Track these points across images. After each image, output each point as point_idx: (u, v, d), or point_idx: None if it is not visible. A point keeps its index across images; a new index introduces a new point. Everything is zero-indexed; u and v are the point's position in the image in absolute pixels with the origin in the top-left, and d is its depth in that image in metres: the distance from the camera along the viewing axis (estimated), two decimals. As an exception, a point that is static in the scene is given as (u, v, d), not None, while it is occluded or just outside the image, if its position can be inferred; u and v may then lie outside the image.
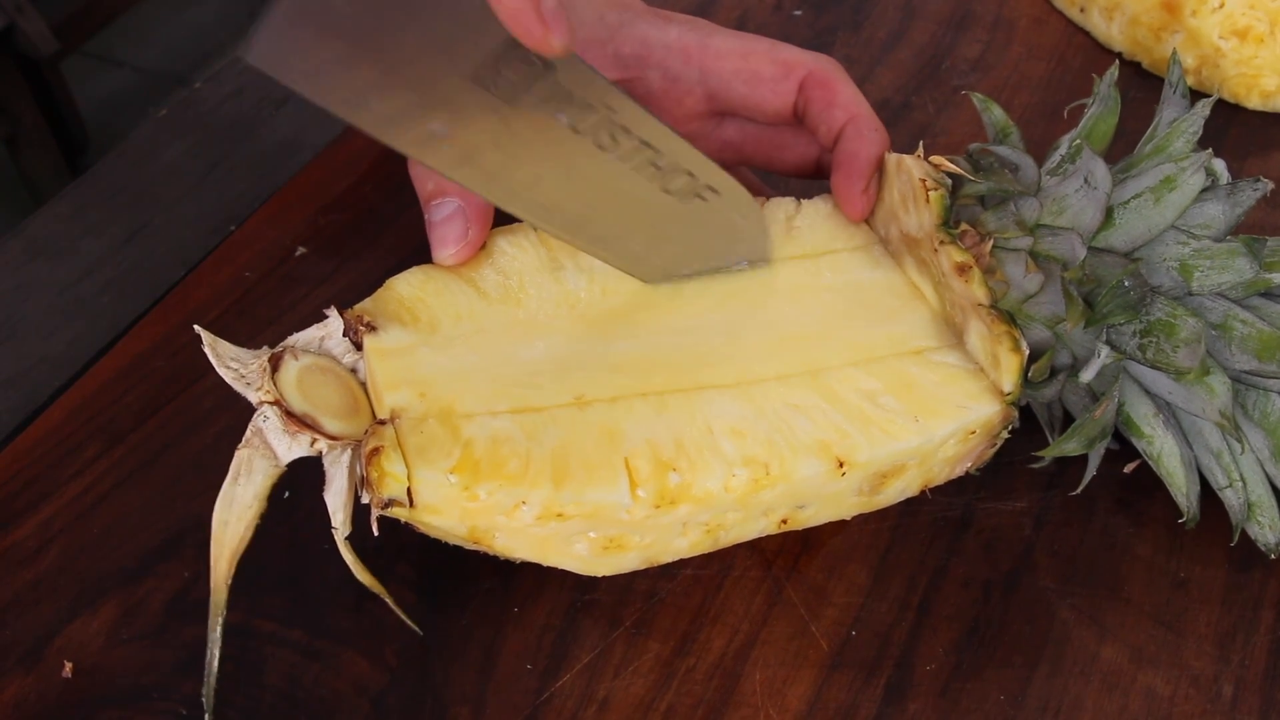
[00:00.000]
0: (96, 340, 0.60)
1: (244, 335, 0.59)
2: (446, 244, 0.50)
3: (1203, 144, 0.52)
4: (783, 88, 0.55)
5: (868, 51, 0.77)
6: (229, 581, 0.44)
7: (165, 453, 0.55)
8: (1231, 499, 0.50)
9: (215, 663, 0.43)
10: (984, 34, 0.79)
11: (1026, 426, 0.51)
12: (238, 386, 0.46)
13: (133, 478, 0.54)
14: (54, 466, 0.54)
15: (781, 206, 0.54)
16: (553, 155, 0.44)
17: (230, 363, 0.46)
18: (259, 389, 0.45)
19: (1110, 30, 0.77)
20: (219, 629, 0.43)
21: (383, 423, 0.45)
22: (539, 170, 0.45)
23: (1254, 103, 0.73)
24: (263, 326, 0.60)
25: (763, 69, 0.55)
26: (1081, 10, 0.79)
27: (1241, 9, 0.71)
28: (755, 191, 0.59)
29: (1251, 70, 0.72)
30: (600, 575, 0.49)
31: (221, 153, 0.70)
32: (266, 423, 0.45)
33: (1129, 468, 0.54)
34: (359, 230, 0.64)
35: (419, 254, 0.64)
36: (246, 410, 0.56)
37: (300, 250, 0.64)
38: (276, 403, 0.45)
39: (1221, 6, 0.72)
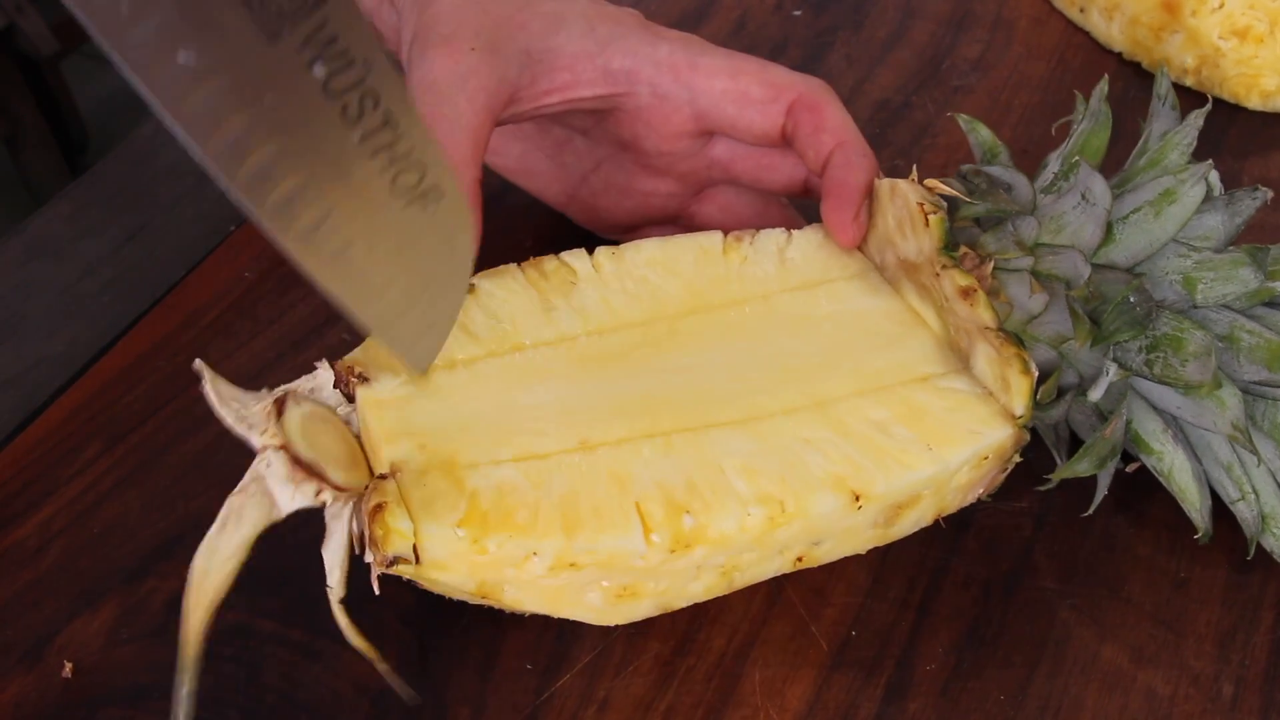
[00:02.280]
0: (96, 340, 0.60)
1: (244, 335, 0.59)
2: None
3: (1203, 145, 0.52)
4: (771, 110, 0.54)
5: (868, 51, 0.77)
6: (203, 636, 0.42)
7: (165, 453, 0.55)
8: (1244, 512, 0.50)
9: None
10: (984, 34, 0.79)
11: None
12: (239, 429, 0.44)
13: (133, 478, 0.54)
14: (54, 466, 0.54)
15: (772, 238, 0.54)
16: (296, 126, 0.37)
17: (231, 403, 0.44)
18: (264, 432, 0.44)
19: (1110, 30, 0.77)
20: (186, 686, 0.41)
21: (384, 477, 0.44)
22: (278, 146, 0.37)
23: (1254, 103, 0.73)
24: (263, 326, 0.60)
25: (751, 90, 0.54)
26: (1081, 10, 0.79)
27: (1241, 9, 0.71)
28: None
29: (1251, 70, 0.72)
30: (612, 624, 0.48)
31: (221, 153, 0.70)
32: (269, 469, 0.43)
33: (1131, 468, 0.54)
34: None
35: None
36: (246, 410, 0.56)
37: (300, 250, 0.63)
38: (283, 447, 0.43)
39: (1221, 6, 0.72)
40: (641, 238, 0.56)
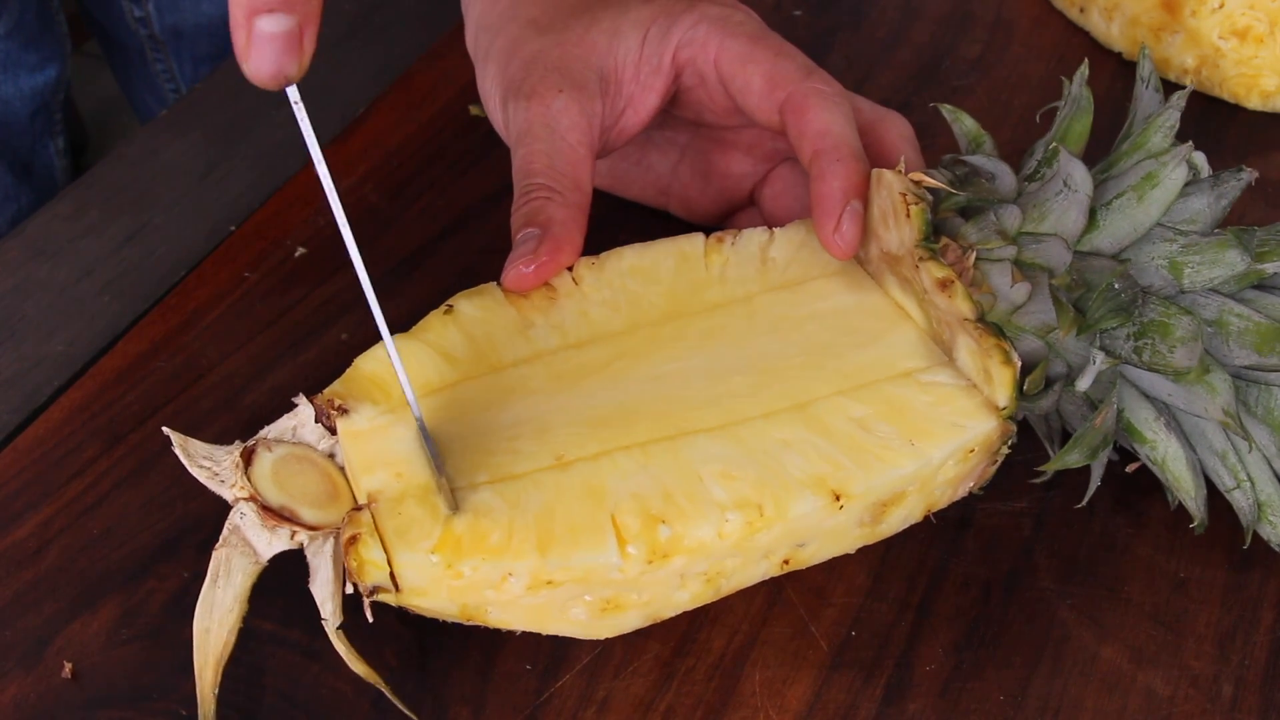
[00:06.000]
0: (96, 340, 0.60)
1: (243, 335, 0.59)
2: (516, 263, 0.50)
3: (1202, 145, 0.51)
4: (766, 105, 0.55)
5: (868, 51, 0.77)
6: (216, 691, 0.43)
7: (165, 453, 0.55)
8: (1240, 500, 0.50)
9: None
10: (984, 34, 0.79)
11: (1024, 425, 0.51)
12: (212, 485, 0.45)
13: (133, 478, 0.54)
14: (54, 466, 0.54)
15: (754, 237, 0.53)
16: None
17: (203, 461, 0.45)
18: (234, 485, 0.44)
19: (1110, 30, 0.77)
20: None
21: (359, 509, 0.44)
22: None
23: (1254, 103, 0.73)
24: (263, 327, 0.60)
25: (753, 82, 0.55)
26: (1081, 10, 0.79)
27: (1241, 9, 0.71)
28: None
29: (1251, 70, 0.72)
30: (603, 638, 0.48)
31: (221, 153, 0.70)
32: (244, 519, 0.44)
33: (1130, 468, 0.54)
34: (359, 230, 0.64)
35: (418, 255, 0.64)
36: (246, 412, 0.56)
37: (300, 250, 0.64)
38: (252, 498, 0.44)
39: (1221, 6, 0.72)
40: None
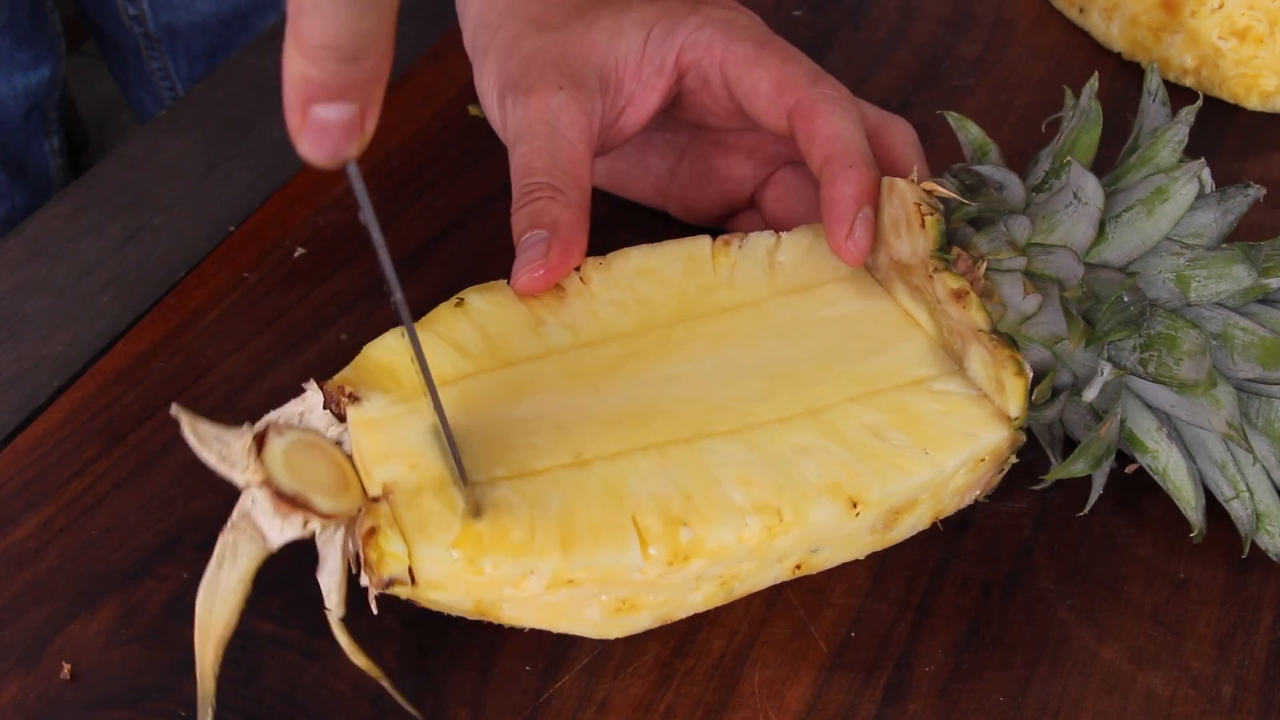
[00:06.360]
0: (96, 340, 0.60)
1: (243, 335, 0.59)
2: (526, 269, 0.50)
3: (1202, 146, 0.51)
4: (774, 109, 0.55)
5: (867, 51, 0.77)
6: (216, 671, 0.43)
7: (165, 453, 0.55)
8: (1239, 510, 0.50)
9: None
10: (984, 34, 0.79)
11: (1026, 428, 0.51)
12: (222, 469, 0.44)
13: (133, 478, 0.54)
14: (54, 466, 0.54)
15: (761, 241, 0.53)
16: None
17: (213, 443, 0.45)
18: (246, 470, 0.44)
19: (1109, 30, 0.77)
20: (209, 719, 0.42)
21: (376, 500, 0.44)
22: None
23: (1254, 103, 0.73)
24: (263, 327, 0.60)
25: (760, 86, 0.55)
26: (1081, 11, 0.79)
27: (1241, 9, 0.71)
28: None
29: (1251, 70, 0.72)
30: (612, 638, 0.48)
31: (221, 153, 0.70)
32: (255, 505, 0.44)
33: (1130, 469, 0.54)
34: (359, 230, 0.64)
35: (418, 255, 0.64)
36: (247, 410, 0.56)
37: (300, 250, 0.64)
38: (265, 484, 0.43)
39: (1221, 7, 0.72)
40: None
